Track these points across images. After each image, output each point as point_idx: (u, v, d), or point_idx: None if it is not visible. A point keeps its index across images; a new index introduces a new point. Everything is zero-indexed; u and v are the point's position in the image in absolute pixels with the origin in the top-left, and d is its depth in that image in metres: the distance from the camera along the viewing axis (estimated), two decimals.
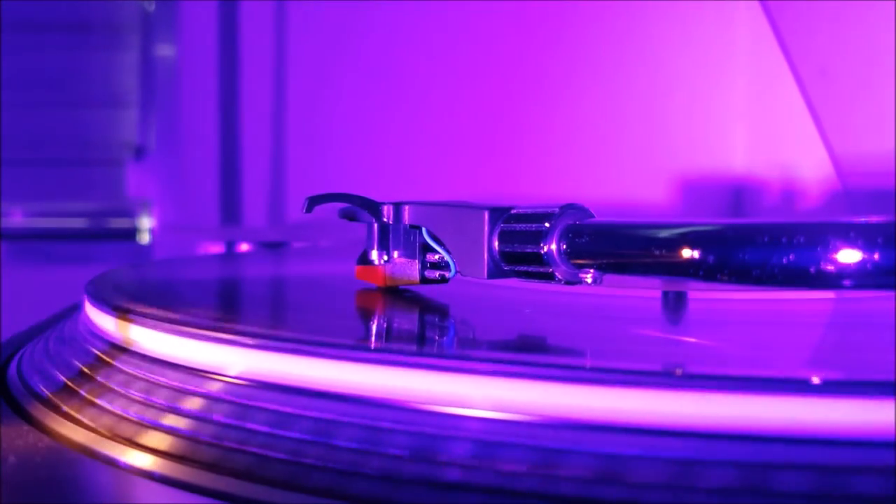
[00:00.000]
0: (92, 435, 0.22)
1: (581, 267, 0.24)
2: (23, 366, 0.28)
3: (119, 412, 0.22)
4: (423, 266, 0.29)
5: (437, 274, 0.29)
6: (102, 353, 0.26)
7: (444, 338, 0.25)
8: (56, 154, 0.79)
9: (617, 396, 0.18)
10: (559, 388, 0.18)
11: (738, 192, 0.71)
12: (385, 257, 0.30)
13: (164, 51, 0.78)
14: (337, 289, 0.35)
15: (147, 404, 0.22)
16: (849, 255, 0.18)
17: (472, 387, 0.19)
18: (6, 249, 0.75)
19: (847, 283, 0.18)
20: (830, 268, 0.18)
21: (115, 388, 0.24)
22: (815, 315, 0.30)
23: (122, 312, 0.26)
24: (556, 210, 0.25)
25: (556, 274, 0.25)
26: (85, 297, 0.30)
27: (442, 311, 0.29)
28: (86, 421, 0.23)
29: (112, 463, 0.20)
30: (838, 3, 0.60)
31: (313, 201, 0.29)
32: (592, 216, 0.25)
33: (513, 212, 0.26)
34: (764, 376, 0.18)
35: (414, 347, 0.23)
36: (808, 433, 0.17)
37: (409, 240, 0.29)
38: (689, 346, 0.24)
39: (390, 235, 0.30)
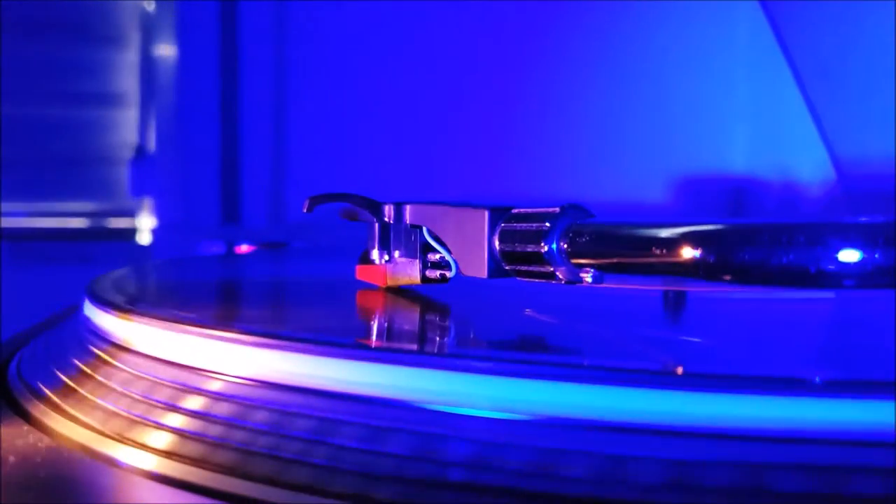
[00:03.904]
0: (92, 434, 0.22)
1: (581, 266, 0.24)
2: (23, 365, 0.28)
3: (119, 411, 0.22)
4: (424, 266, 0.29)
5: (437, 273, 0.29)
6: (102, 352, 0.26)
7: (445, 337, 0.25)
8: (56, 154, 0.79)
9: (616, 395, 0.18)
10: (558, 388, 0.18)
11: (739, 192, 0.71)
12: (386, 257, 0.30)
13: (164, 51, 0.78)
14: (338, 288, 0.35)
15: (147, 403, 0.22)
16: (849, 255, 0.18)
17: (473, 386, 0.19)
18: (6, 249, 0.75)
19: (847, 282, 0.18)
20: (831, 268, 0.18)
21: (115, 387, 0.24)
22: (815, 315, 0.30)
23: (122, 311, 0.26)
24: (557, 210, 0.25)
25: (557, 273, 0.25)
26: (85, 296, 0.30)
27: (443, 310, 0.29)
28: (86, 420, 0.23)
29: (112, 462, 0.20)
30: (838, 3, 0.60)
31: (314, 201, 0.29)
32: (593, 216, 0.25)
33: (514, 211, 0.26)
34: (764, 376, 0.18)
35: (415, 347, 0.23)
36: (808, 432, 0.17)
37: (409, 239, 0.29)
38: (689, 345, 0.24)
39: (391, 235, 0.30)
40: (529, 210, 0.26)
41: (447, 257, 0.28)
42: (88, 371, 0.25)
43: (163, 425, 0.21)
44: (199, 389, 0.22)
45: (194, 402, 0.21)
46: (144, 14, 0.79)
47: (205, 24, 0.77)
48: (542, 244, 0.24)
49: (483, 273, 0.27)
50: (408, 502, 0.17)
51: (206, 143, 0.77)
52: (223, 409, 0.21)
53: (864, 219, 0.19)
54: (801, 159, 0.66)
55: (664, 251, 0.21)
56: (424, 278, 0.29)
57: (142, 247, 0.79)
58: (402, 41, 0.75)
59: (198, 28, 0.77)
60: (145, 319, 0.25)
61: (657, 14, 0.71)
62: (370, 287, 0.31)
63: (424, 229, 0.29)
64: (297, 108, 0.77)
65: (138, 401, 0.22)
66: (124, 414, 0.22)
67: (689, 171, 0.71)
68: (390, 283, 0.30)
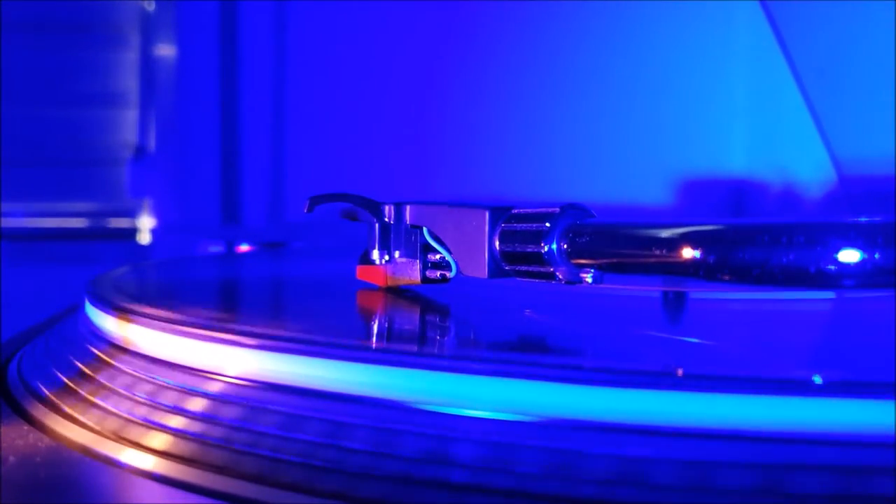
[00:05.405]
0: (92, 435, 0.22)
1: (581, 266, 0.24)
2: (23, 366, 0.28)
3: (119, 412, 0.22)
4: (425, 266, 0.29)
5: (438, 274, 0.29)
6: (103, 352, 0.26)
7: (445, 338, 0.25)
8: (56, 154, 0.79)
9: (616, 397, 0.18)
10: (559, 389, 0.18)
11: (738, 192, 0.71)
12: (386, 257, 0.30)
13: (164, 51, 0.78)
14: (338, 289, 0.35)
15: (147, 404, 0.22)
16: (849, 255, 0.18)
17: (471, 387, 0.19)
18: (6, 249, 0.75)
19: (847, 282, 0.18)
20: (831, 268, 0.18)
21: (116, 388, 0.24)
22: (815, 315, 0.30)
23: (122, 312, 0.26)
24: (557, 210, 0.25)
25: (557, 274, 0.25)
26: (85, 296, 0.30)
27: (443, 310, 0.29)
28: (86, 421, 0.23)
29: (112, 462, 0.20)
30: (838, 3, 0.60)
31: (315, 201, 0.29)
32: (593, 216, 0.25)
33: (514, 211, 0.26)
34: (764, 376, 0.18)
35: (415, 348, 0.23)
36: (808, 433, 0.17)
37: (410, 240, 0.29)
38: (688, 346, 0.24)
39: (391, 235, 0.30)
40: (529, 210, 0.26)
41: (447, 257, 0.28)
42: (88, 371, 0.25)
43: (163, 426, 0.21)
44: (199, 390, 0.22)
45: (194, 403, 0.22)
46: (144, 14, 0.79)
47: (205, 24, 0.77)
48: (542, 244, 0.24)
49: (483, 273, 0.27)
50: (405, 503, 0.17)
51: (206, 143, 0.77)
52: (223, 410, 0.21)
53: (864, 219, 0.19)
54: (801, 159, 0.66)
55: (664, 251, 0.21)
56: (425, 278, 0.29)
57: (142, 247, 0.79)
58: (402, 41, 0.75)
59: (198, 28, 0.77)
60: (145, 319, 0.25)
61: (656, 14, 0.71)
62: (370, 287, 0.31)
63: (424, 229, 0.29)
64: (296, 108, 0.77)
65: (138, 401, 0.22)
66: (124, 414, 0.22)
67: (689, 172, 0.71)
68: (390, 283, 0.30)
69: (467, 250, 0.27)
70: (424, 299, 0.30)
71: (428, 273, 0.29)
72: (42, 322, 0.36)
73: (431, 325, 0.27)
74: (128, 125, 0.79)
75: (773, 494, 0.16)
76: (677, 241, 0.21)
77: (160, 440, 0.21)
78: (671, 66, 0.72)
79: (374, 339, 0.25)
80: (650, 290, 0.31)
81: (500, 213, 0.26)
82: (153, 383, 0.23)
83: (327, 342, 0.21)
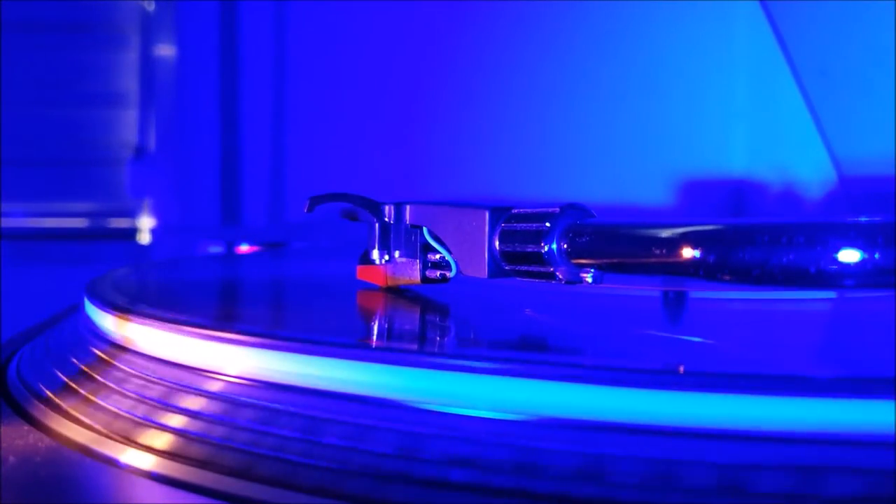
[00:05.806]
0: (92, 434, 0.22)
1: (581, 266, 0.24)
2: (23, 366, 0.28)
3: (119, 411, 0.22)
4: (425, 266, 0.29)
5: (438, 273, 0.29)
6: (102, 352, 0.26)
7: (445, 337, 0.25)
8: (56, 154, 0.79)
9: (616, 396, 0.18)
10: (559, 388, 0.18)
11: (738, 192, 0.71)
12: (386, 257, 0.30)
13: (164, 51, 0.78)
14: (338, 289, 0.35)
15: (147, 404, 0.22)
16: (849, 255, 0.18)
17: (473, 386, 0.19)
18: (6, 249, 0.75)
19: (847, 282, 0.18)
20: (831, 267, 0.18)
21: (116, 387, 0.24)
22: (815, 315, 0.30)
23: (122, 312, 0.26)
24: (557, 210, 0.25)
25: (557, 273, 0.25)
26: (85, 296, 0.30)
27: (443, 310, 0.29)
28: (86, 420, 0.23)
29: (112, 462, 0.20)
30: (838, 3, 0.60)
31: (315, 201, 0.29)
32: (593, 216, 0.25)
33: (514, 211, 0.26)
34: (764, 376, 0.18)
35: (415, 347, 0.23)
36: (808, 433, 0.17)
37: (410, 239, 0.29)
38: (689, 344, 0.24)
39: (391, 235, 0.30)
40: (529, 210, 0.26)
41: (447, 257, 0.28)
42: (88, 371, 0.25)
43: (163, 426, 0.21)
44: (199, 390, 0.22)
45: (195, 403, 0.22)
46: (144, 14, 0.79)
47: (205, 24, 0.77)
48: (542, 244, 0.24)
49: (483, 273, 0.27)
50: (403, 502, 0.17)
51: (206, 143, 0.77)
52: (224, 409, 0.21)
53: (864, 219, 0.19)
54: (801, 159, 0.66)
55: (664, 251, 0.21)
56: (425, 278, 0.29)
57: (142, 247, 0.79)
58: (402, 41, 0.75)
59: (198, 28, 0.77)
60: (145, 319, 0.25)
61: (656, 14, 0.71)
62: (370, 287, 0.31)
63: (424, 229, 0.29)
64: (296, 108, 0.77)
65: (138, 401, 0.22)
66: (124, 414, 0.22)
67: (689, 172, 0.71)
68: (390, 283, 0.30)
69: (467, 250, 0.27)
70: (424, 299, 0.30)
71: (428, 273, 0.29)
72: (42, 322, 0.36)
73: (431, 325, 0.27)
74: (128, 125, 0.79)
75: (772, 495, 0.16)
76: (677, 241, 0.21)
77: (160, 440, 0.21)
78: (671, 66, 0.72)
79: (375, 338, 0.25)
80: (650, 290, 0.31)
81: (500, 213, 0.26)
82: (153, 383, 0.23)
83: (327, 341, 0.21)
